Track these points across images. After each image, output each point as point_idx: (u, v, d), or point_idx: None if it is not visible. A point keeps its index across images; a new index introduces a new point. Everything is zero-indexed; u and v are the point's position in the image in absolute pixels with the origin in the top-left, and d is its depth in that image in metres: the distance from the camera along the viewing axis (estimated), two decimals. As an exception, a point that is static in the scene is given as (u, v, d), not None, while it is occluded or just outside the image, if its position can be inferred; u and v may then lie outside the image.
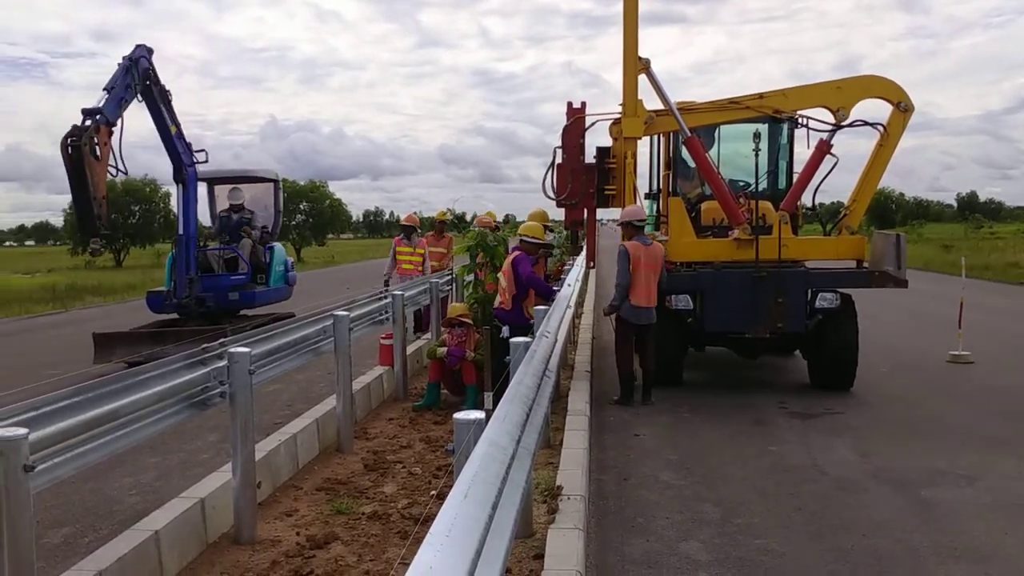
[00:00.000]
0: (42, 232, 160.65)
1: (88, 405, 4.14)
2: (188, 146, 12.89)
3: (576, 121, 10.08)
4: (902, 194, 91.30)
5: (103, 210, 10.87)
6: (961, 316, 12.00)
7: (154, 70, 12.02)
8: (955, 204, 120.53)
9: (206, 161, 13.21)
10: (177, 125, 12.64)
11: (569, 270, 12.89)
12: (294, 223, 61.05)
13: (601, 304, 10.94)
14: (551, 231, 11.30)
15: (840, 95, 9.82)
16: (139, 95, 11.74)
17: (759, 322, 9.54)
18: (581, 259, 14.73)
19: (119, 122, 11.17)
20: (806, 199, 10.55)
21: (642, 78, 9.80)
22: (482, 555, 2.29)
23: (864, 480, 6.61)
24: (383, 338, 10.50)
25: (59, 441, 3.87)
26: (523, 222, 10.75)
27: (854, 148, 12.56)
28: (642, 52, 9.71)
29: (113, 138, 11.07)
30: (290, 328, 7.15)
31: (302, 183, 62.47)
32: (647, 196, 12.74)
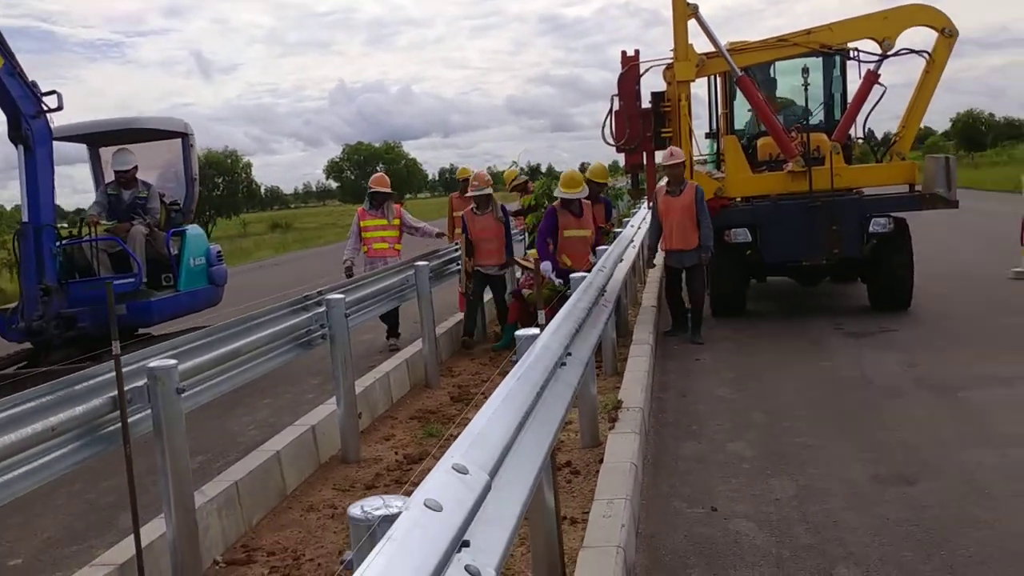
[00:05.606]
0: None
1: (219, 344, 5.07)
2: (31, 87, 8.08)
3: (630, 68, 10.59)
4: (991, 114, 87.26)
5: None
6: (1023, 233, 12.16)
7: None
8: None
9: (60, 108, 8.26)
10: (10, 59, 7.81)
11: (636, 213, 13.51)
12: (370, 185, 62.92)
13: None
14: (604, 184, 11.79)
15: (885, 25, 10.11)
16: None
17: (815, 249, 10.00)
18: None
19: None
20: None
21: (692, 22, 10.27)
22: (529, 424, 3.03)
23: (906, 386, 7.16)
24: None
25: (199, 372, 4.78)
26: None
27: (909, 75, 12.66)
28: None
29: None
30: (378, 278, 8.08)
31: (377, 145, 64.14)
32: (707, 136, 13.20)
